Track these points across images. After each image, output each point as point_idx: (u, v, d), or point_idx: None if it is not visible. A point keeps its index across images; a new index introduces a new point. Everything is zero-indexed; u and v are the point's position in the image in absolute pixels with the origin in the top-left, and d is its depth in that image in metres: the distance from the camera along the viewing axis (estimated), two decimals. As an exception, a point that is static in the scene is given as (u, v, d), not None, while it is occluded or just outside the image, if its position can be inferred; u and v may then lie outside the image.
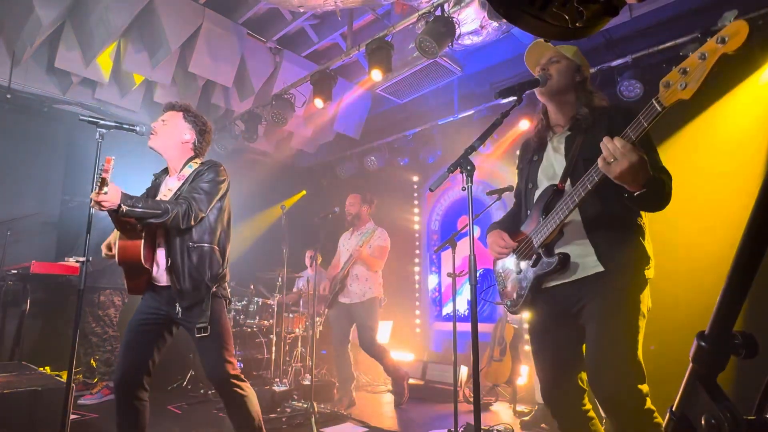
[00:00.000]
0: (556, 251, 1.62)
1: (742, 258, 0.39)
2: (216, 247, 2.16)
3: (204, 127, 2.31)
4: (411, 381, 4.33)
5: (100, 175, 1.70)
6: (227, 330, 2.14)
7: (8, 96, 4.60)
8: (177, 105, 2.29)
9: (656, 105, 1.28)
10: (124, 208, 1.81)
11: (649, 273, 1.58)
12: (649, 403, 1.45)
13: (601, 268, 1.55)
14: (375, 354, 4.07)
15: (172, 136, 2.22)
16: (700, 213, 3.39)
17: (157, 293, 2.12)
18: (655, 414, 1.45)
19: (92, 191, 1.78)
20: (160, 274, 2.09)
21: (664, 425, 0.45)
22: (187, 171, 2.21)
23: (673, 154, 3.45)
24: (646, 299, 1.55)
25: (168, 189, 2.19)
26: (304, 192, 7.03)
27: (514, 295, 1.77)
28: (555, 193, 1.64)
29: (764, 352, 0.44)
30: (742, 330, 0.41)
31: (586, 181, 1.47)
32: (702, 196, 3.39)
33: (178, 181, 2.21)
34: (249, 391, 2.14)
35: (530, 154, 1.86)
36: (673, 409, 0.44)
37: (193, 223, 2.04)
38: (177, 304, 2.04)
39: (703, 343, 0.42)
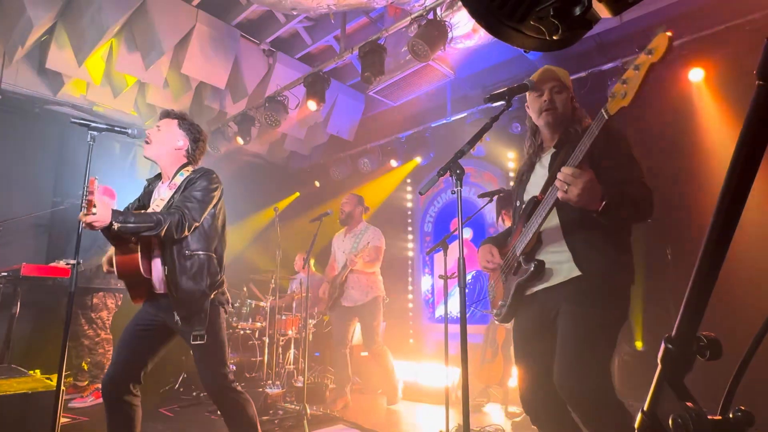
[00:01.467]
0: (536, 258, 1.67)
1: (705, 262, 0.41)
2: (213, 254, 2.15)
3: (198, 135, 2.29)
4: (404, 382, 4.35)
5: (86, 196, 1.69)
6: (223, 339, 2.13)
7: (-1, 97, 4.58)
8: (173, 113, 2.29)
9: (604, 114, 1.40)
10: (116, 225, 1.80)
11: (630, 281, 1.61)
12: (617, 396, 1.47)
13: (577, 272, 1.59)
14: (376, 353, 4.13)
15: (166, 142, 2.21)
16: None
17: (156, 300, 2.11)
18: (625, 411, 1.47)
19: (81, 208, 1.77)
20: (158, 283, 2.08)
21: (637, 425, 0.46)
22: (179, 179, 2.19)
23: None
24: (623, 306, 1.58)
25: (160, 198, 2.18)
26: (297, 194, 7.03)
27: (499, 304, 1.83)
28: (536, 204, 1.68)
29: (728, 355, 0.46)
30: (707, 333, 0.43)
31: (549, 198, 1.54)
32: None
33: (170, 189, 2.19)
34: (245, 398, 2.13)
35: (521, 175, 1.93)
36: (644, 408, 0.45)
37: (187, 232, 2.03)
38: (174, 313, 2.03)
39: (669, 346, 0.44)
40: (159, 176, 2.34)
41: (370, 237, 4.20)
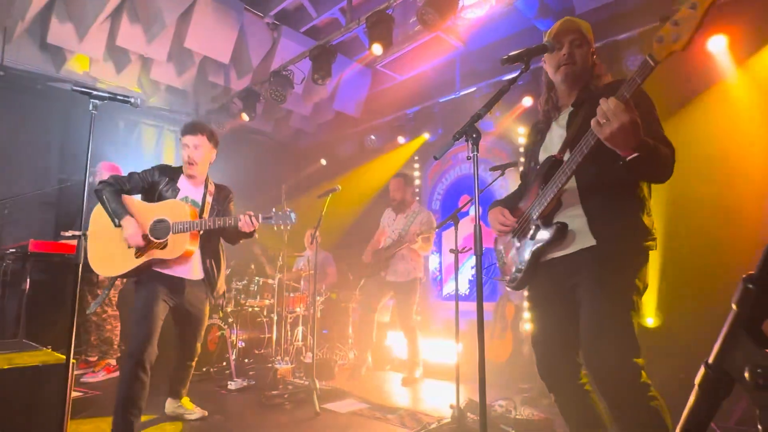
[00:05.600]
0: (555, 221, 1.59)
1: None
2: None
3: (218, 142, 2.76)
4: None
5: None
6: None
7: (1, 73, 4.51)
8: (200, 128, 2.68)
9: (650, 61, 1.26)
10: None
11: (650, 247, 1.53)
12: (644, 377, 1.41)
13: (593, 242, 1.52)
14: (407, 329, 4.22)
15: (206, 161, 2.71)
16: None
17: (171, 283, 2.55)
18: (651, 389, 1.41)
19: (86, 172, 1.88)
20: (181, 267, 2.56)
21: (698, 380, 0.41)
22: (212, 187, 2.76)
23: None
24: (642, 275, 1.51)
25: (191, 199, 2.66)
26: (304, 172, 6.96)
27: (513, 270, 1.74)
28: (553, 163, 1.60)
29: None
30: None
31: (583, 146, 1.44)
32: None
33: (209, 196, 2.72)
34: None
35: (536, 135, 1.83)
36: (709, 361, 0.40)
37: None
38: (208, 295, 2.73)
39: (750, 285, 0.38)
40: (168, 169, 2.68)
41: (424, 219, 4.22)
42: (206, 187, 2.74)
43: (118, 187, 2.54)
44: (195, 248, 2.57)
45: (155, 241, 2.47)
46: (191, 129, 2.65)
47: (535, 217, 1.63)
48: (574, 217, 1.56)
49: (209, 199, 2.71)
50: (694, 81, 3.61)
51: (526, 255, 1.66)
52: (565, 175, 1.50)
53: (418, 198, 4.50)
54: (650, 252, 1.54)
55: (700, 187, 3.31)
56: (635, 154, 1.33)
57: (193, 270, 2.63)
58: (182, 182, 2.69)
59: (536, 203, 1.63)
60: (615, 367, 1.40)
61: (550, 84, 1.77)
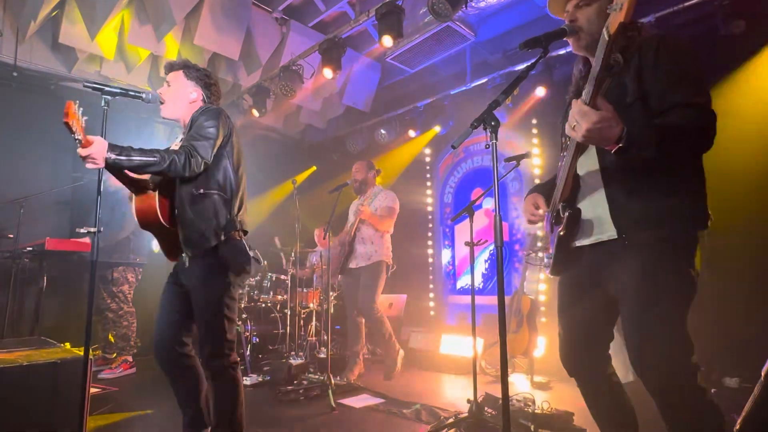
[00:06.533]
0: (573, 206, 1.53)
1: None
2: (222, 192, 2.04)
3: (208, 80, 2.21)
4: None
5: (68, 126, 1.59)
6: (230, 299, 2.00)
7: (14, 74, 4.55)
8: (175, 64, 2.19)
9: (605, 34, 1.19)
10: (112, 156, 1.70)
11: (693, 227, 1.36)
12: (701, 380, 1.31)
13: (614, 234, 1.41)
14: (372, 319, 3.92)
15: (179, 98, 2.14)
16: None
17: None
18: (708, 392, 1.32)
19: (100, 168, 1.73)
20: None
21: (765, 371, 0.38)
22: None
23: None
24: (687, 262, 1.34)
25: (174, 144, 2.13)
26: (314, 168, 6.96)
27: (549, 254, 1.67)
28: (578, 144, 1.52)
29: None
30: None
31: (564, 142, 1.42)
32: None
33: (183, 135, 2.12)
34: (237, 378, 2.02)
35: (567, 106, 1.67)
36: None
37: (197, 170, 1.91)
38: (183, 254, 1.98)
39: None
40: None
41: (382, 199, 4.09)
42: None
43: None
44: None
45: None
46: (167, 68, 2.21)
47: (557, 201, 1.56)
48: (598, 203, 1.47)
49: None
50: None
51: (555, 241, 1.59)
52: (568, 159, 1.44)
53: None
54: (705, 226, 1.37)
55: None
56: (619, 146, 1.25)
57: None
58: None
59: (558, 186, 1.55)
60: (668, 370, 1.30)
61: (582, 57, 1.65)
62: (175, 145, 2.10)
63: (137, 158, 1.76)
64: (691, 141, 1.30)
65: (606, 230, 1.45)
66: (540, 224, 1.72)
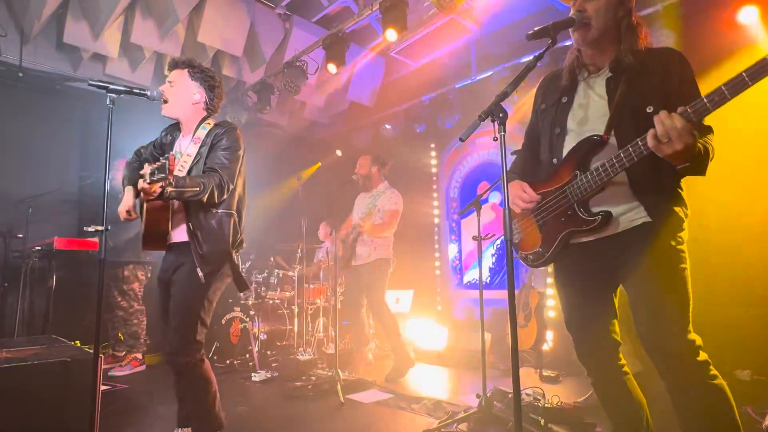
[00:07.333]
0: (594, 209, 1.51)
1: None
2: (234, 213, 2.14)
3: (213, 82, 2.21)
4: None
5: (167, 167, 1.68)
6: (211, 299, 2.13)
7: (20, 74, 4.57)
8: (180, 62, 2.18)
9: (746, 79, 1.14)
10: (172, 191, 1.81)
11: (683, 210, 1.49)
12: (704, 356, 1.39)
13: (647, 219, 1.45)
14: (384, 321, 3.90)
15: (182, 97, 2.14)
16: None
17: (169, 251, 2.15)
18: (711, 368, 1.39)
19: (106, 166, 1.76)
20: (176, 234, 2.09)
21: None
22: (202, 133, 2.15)
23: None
24: (684, 237, 1.47)
25: (187, 154, 2.13)
26: (318, 164, 6.94)
27: (539, 249, 1.65)
28: (596, 144, 1.49)
29: None
30: None
31: (634, 152, 1.36)
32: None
33: (194, 144, 2.14)
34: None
35: (558, 93, 1.65)
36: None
37: (225, 196, 2.04)
38: (198, 270, 2.01)
39: None
40: (176, 126, 2.28)
41: (386, 200, 4.04)
42: (195, 133, 2.17)
43: (135, 159, 2.35)
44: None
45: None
46: (171, 65, 2.19)
47: (573, 200, 1.53)
48: (623, 204, 1.48)
49: (194, 148, 2.15)
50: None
51: (558, 236, 1.58)
52: (615, 170, 1.41)
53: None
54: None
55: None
56: (687, 164, 1.31)
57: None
58: (180, 136, 2.28)
59: (575, 186, 1.51)
60: (675, 344, 1.38)
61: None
62: (188, 156, 2.13)
63: (183, 190, 1.86)
64: (706, 166, 1.39)
65: (635, 220, 1.47)
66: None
